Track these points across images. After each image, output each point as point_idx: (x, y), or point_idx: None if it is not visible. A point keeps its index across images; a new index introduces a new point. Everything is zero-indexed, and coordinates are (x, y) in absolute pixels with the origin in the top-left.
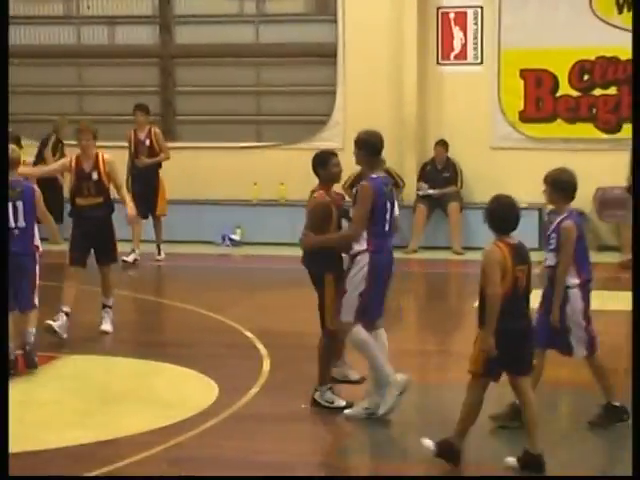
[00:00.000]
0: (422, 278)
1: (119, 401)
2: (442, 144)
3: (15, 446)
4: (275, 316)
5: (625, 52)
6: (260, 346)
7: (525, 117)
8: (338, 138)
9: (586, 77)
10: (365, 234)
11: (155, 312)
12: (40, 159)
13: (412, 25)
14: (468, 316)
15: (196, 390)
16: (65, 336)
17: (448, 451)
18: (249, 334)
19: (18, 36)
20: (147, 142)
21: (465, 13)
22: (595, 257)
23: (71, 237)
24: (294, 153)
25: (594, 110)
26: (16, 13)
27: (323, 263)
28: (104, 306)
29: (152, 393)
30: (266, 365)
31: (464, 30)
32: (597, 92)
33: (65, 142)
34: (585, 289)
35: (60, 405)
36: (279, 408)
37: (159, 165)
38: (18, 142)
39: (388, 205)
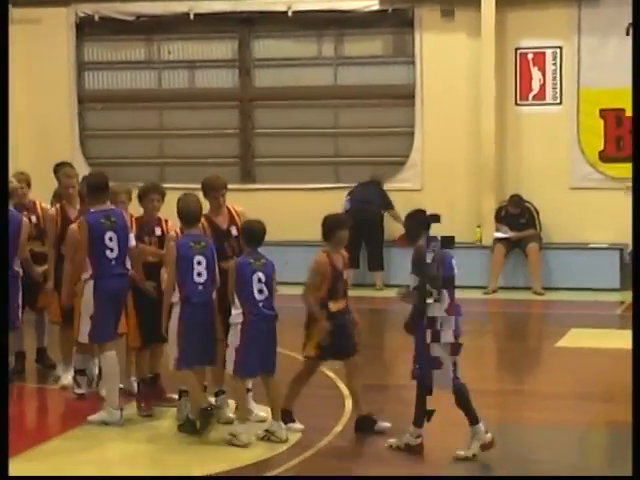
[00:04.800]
0: (502, 318)
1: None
2: (516, 199)
3: None
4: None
5: None
6: (341, 385)
7: (605, 157)
8: (416, 179)
9: None
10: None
11: None
12: None
13: (490, 66)
14: (548, 356)
15: None
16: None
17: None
18: (331, 374)
19: (100, 81)
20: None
21: (544, 54)
22: None
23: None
24: None
25: None
26: (99, 59)
27: None
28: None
29: None
30: (348, 404)
31: (542, 70)
32: None
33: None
34: None
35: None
36: (362, 448)
37: None
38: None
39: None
